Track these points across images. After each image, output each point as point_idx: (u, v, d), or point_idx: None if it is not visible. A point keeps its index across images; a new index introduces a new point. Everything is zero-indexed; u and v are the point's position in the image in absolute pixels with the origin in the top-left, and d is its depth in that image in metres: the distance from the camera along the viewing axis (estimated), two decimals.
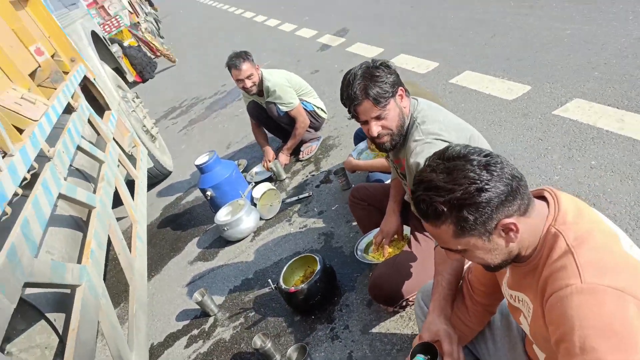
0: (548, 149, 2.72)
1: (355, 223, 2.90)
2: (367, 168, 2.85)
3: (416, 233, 2.18)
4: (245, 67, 3.49)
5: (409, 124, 1.90)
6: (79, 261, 1.94)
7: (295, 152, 4.01)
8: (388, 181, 2.78)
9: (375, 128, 1.83)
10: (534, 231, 1.07)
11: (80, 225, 2.30)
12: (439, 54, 4.51)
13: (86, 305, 1.62)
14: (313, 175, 3.66)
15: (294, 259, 2.58)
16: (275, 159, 3.92)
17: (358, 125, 3.88)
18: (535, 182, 2.51)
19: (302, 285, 2.34)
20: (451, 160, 1.05)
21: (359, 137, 3.22)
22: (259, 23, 9.68)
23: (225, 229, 3.24)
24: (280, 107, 3.67)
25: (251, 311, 2.66)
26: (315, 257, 2.51)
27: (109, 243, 2.17)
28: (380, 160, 2.72)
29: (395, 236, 2.27)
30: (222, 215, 3.36)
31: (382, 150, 1.99)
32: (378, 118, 1.81)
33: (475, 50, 4.27)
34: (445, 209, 1.02)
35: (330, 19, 7.41)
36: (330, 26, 7.05)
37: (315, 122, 3.90)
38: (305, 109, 3.79)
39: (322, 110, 3.94)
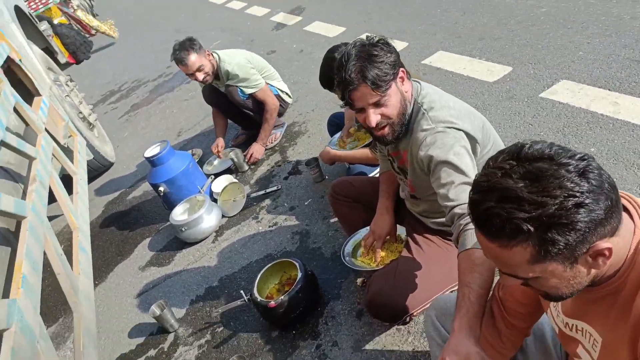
0: (541, 134, 2.52)
1: (333, 219, 2.58)
2: (348, 159, 2.53)
3: (415, 235, 1.89)
4: (193, 59, 3.06)
5: (412, 111, 1.61)
6: (6, 293, 1.50)
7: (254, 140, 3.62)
8: (372, 174, 2.48)
9: (374, 117, 1.54)
10: (620, 251, 0.83)
11: (8, 239, 1.84)
12: (407, 33, 4.23)
13: (18, 355, 1.21)
14: (279, 166, 3.31)
15: (269, 265, 2.23)
16: (233, 147, 3.50)
17: (328, 110, 3.59)
18: None
19: (282, 297, 2.01)
20: (534, 162, 0.79)
21: (334, 124, 2.88)
22: (204, 1, 9.03)
23: (183, 229, 2.83)
24: (243, 90, 3.25)
25: (219, 326, 2.30)
26: (294, 262, 2.18)
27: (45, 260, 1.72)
28: (364, 151, 2.40)
29: (388, 237, 1.98)
30: (179, 214, 2.95)
31: (381, 142, 1.69)
32: (377, 105, 1.53)
33: (446, 29, 4.03)
34: (531, 229, 0.77)
35: None
36: (283, 4, 6.61)
37: (280, 108, 3.51)
38: None
39: (286, 94, 3.56)
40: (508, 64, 3.20)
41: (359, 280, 2.19)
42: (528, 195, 0.76)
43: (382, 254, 1.95)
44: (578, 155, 0.79)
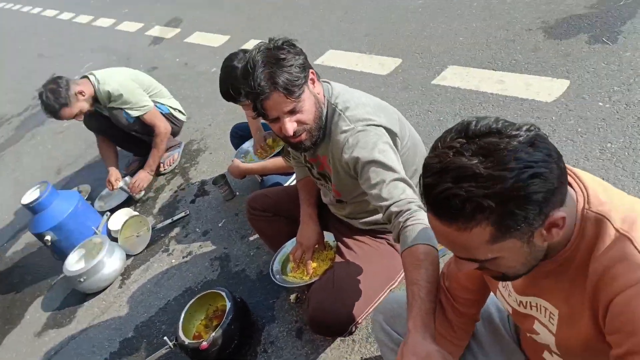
0: (441, 119, 2.58)
1: (253, 237, 2.42)
2: (260, 171, 2.38)
3: (344, 238, 1.81)
4: (65, 114, 2.77)
5: (327, 113, 1.52)
6: None
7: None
8: (287, 183, 2.36)
9: (290, 125, 1.43)
10: (569, 220, 0.82)
11: None
12: (293, 36, 4.03)
13: None
14: (183, 189, 3.05)
15: (192, 301, 2.01)
16: (124, 176, 3.18)
17: (226, 122, 3.40)
18: None
19: (214, 334, 1.81)
20: (484, 138, 0.76)
21: (237, 135, 2.70)
22: (66, 21, 8.25)
23: (81, 279, 2.48)
24: (129, 112, 2.94)
25: None
26: (220, 292, 1.98)
27: None
28: (276, 160, 2.27)
29: (317, 246, 1.87)
30: (73, 262, 2.58)
31: (299, 150, 1.57)
32: (292, 112, 1.42)
33: (331, 28, 4.04)
34: (492, 204, 0.73)
35: (156, 9, 6.59)
36: (157, 17, 6.24)
37: (174, 127, 3.24)
38: (160, 112, 3.11)
39: (179, 111, 3.30)
40: (397, 56, 3.27)
41: (292, 296, 2.05)
42: (485, 170, 0.73)
43: (314, 265, 1.84)
44: (525, 127, 0.77)
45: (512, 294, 1.03)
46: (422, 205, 1.33)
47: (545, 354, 1.08)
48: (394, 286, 1.72)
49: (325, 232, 1.91)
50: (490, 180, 0.72)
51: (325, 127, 1.53)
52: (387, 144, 1.45)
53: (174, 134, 3.33)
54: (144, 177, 3.11)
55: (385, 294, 1.69)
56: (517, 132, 0.75)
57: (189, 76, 4.45)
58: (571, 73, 2.45)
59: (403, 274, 1.70)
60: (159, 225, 2.80)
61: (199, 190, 2.97)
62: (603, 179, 1.86)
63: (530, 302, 0.98)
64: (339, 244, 1.82)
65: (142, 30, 6.12)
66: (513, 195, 0.72)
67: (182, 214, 2.79)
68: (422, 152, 1.73)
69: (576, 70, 2.44)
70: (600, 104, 2.21)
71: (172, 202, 2.99)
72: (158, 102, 3.12)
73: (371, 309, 1.65)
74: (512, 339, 1.26)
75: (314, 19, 4.35)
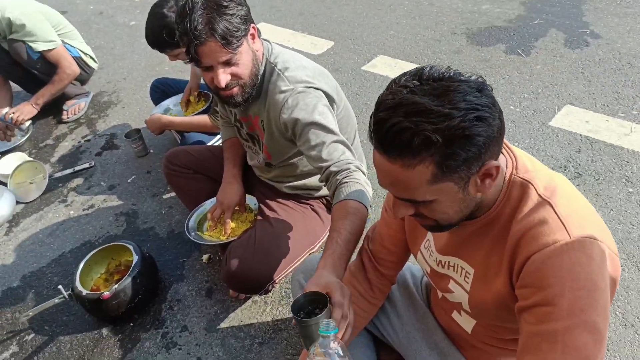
0: (367, 104, 2.66)
1: (167, 195, 2.31)
2: (182, 126, 2.26)
3: (267, 201, 1.79)
4: None
5: (264, 71, 1.49)
6: None
7: (56, 111, 3.02)
8: (211, 143, 2.27)
9: (224, 77, 1.38)
10: (498, 179, 0.88)
11: None
12: None
13: None
14: (88, 140, 2.81)
15: (93, 252, 1.86)
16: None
17: (143, 78, 3.20)
18: (363, 137, 2.41)
19: (116, 286, 1.69)
20: (437, 81, 0.79)
21: (158, 90, 2.54)
22: None
23: None
24: (32, 46, 2.63)
25: (28, 333, 1.84)
26: (127, 245, 1.86)
27: None
28: (201, 118, 2.17)
29: (237, 208, 1.83)
30: None
31: (229, 104, 1.52)
32: (227, 63, 1.37)
33: (264, 2, 3.97)
34: (439, 139, 0.76)
35: None
36: None
37: (83, 73, 2.95)
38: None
39: (90, 57, 3.02)
40: (330, 39, 3.31)
41: (205, 257, 1.99)
42: (436, 107, 0.76)
43: (232, 225, 1.79)
44: (474, 76, 0.82)
45: (433, 254, 1.08)
46: (361, 166, 1.36)
47: (455, 314, 1.16)
48: (313, 250, 1.74)
49: (247, 196, 1.87)
50: (440, 116, 0.75)
51: (261, 85, 1.50)
52: (326, 107, 1.45)
53: (82, 81, 3.05)
54: (26, 109, 2.74)
55: (305, 256, 1.70)
56: (467, 78, 0.80)
57: (104, 25, 4.11)
58: (488, 77, 2.65)
59: (324, 239, 1.74)
60: (58, 174, 2.55)
61: (107, 143, 2.75)
62: None
63: (448, 262, 1.04)
64: (262, 205, 1.79)
65: None
66: (458, 134, 0.76)
67: (87, 165, 2.57)
68: (354, 124, 1.77)
69: (493, 75, 2.65)
70: (512, 107, 2.43)
71: (75, 152, 2.74)
72: (67, 44, 2.81)
73: (290, 270, 1.65)
74: (424, 303, 1.33)
75: None
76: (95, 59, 3.08)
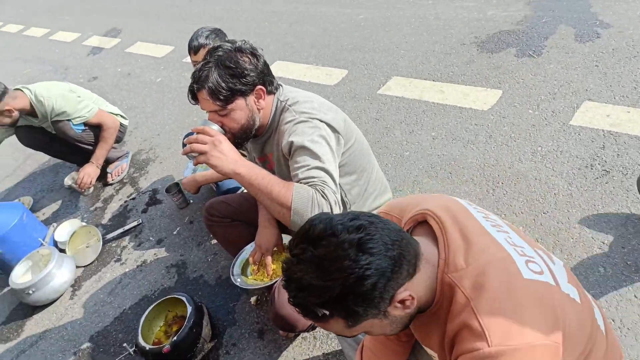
0: (388, 127, 2.74)
1: (212, 242, 2.45)
2: (213, 179, 2.41)
3: None
4: None
5: (275, 110, 1.61)
6: None
7: (101, 177, 3.25)
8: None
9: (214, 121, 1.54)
10: (429, 284, 0.94)
11: None
12: None
13: None
14: (134, 199, 3.01)
15: (151, 307, 2.01)
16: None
17: (176, 131, 3.40)
18: (387, 161, 2.49)
19: (174, 339, 1.83)
20: (318, 243, 0.86)
21: None
22: None
23: (30, 291, 2.39)
24: (75, 122, 2.88)
25: None
26: (180, 297, 2.00)
27: None
28: None
29: (275, 249, 1.94)
30: (20, 275, 2.48)
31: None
32: (217, 113, 1.52)
33: (277, 40, 4.14)
34: (327, 312, 0.86)
35: (93, 19, 6.41)
36: (94, 27, 6.08)
37: (119, 132, 3.19)
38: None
39: (121, 116, 3.24)
40: (343, 67, 3.42)
41: (253, 299, 2.11)
42: (317, 282, 0.84)
43: (274, 266, 1.90)
44: (356, 225, 0.86)
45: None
46: (335, 193, 1.41)
47: None
48: None
49: (284, 235, 1.98)
50: (322, 289, 0.84)
51: (272, 123, 1.61)
52: (323, 137, 1.50)
53: (118, 140, 3.27)
54: (90, 170, 3.01)
55: None
56: (345, 237, 0.85)
57: (134, 86, 4.38)
58: (503, 83, 2.69)
59: None
60: (110, 236, 2.74)
61: (151, 199, 2.94)
62: (535, 179, 2.09)
63: (428, 352, 1.11)
64: None
65: (79, 40, 5.93)
66: (344, 298, 0.83)
67: (135, 223, 2.76)
68: (367, 154, 1.84)
69: (507, 81, 2.69)
70: (530, 111, 2.45)
71: (123, 212, 2.94)
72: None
73: None
74: None
75: (260, 31, 4.44)
76: (125, 116, 3.30)
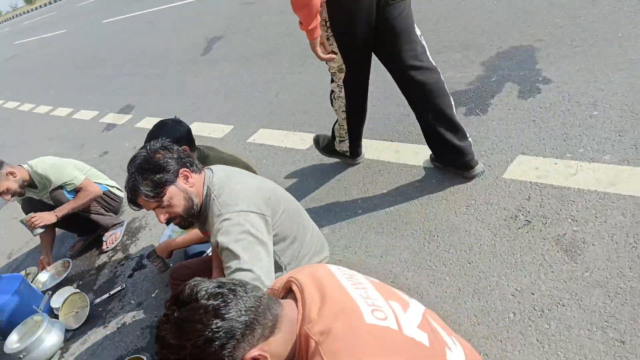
0: (346, 187, 2.95)
1: None
2: (184, 244, 2.66)
3: None
4: None
5: (205, 197, 1.86)
6: None
7: (98, 243, 3.56)
8: (209, 250, 2.65)
9: (162, 216, 1.81)
10: (288, 340, 1.10)
11: None
12: (233, 116, 4.61)
13: None
14: (122, 265, 3.29)
15: None
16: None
17: None
18: (344, 224, 2.67)
19: None
20: (183, 306, 1.03)
21: None
22: (26, 112, 8.62)
23: (21, 356, 2.65)
24: (68, 189, 3.25)
25: None
26: (142, 357, 2.20)
27: None
28: (195, 231, 2.57)
29: None
30: (15, 341, 2.75)
31: (182, 228, 1.92)
32: (160, 207, 1.79)
33: (264, 109, 4.49)
34: None
35: (110, 99, 7.03)
36: (111, 105, 6.67)
37: (114, 203, 3.54)
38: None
39: (117, 188, 3.61)
40: (317, 132, 3.69)
41: None
42: (175, 341, 1.00)
43: None
44: (216, 292, 1.04)
45: None
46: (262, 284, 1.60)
47: None
48: None
49: None
50: (177, 348, 1.00)
51: (203, 209, 1.86)
52: (246, 232, 1.69)
53: (115, 211, 3.60)
54: (45, 215, 3.15)
55: None
56: (205, 302, 1.02)
57: None
58: None
59: None
60: (97, 300, 3.00)
61: (137, 264, 3.21)
62: (466, 231, 2.23)
63: None
64: None
65: (96, 118, 6.51)
66: (197, 357, 0.99)
67: (119, 288, 3.01)
68: (299, 221, 2.05)
69: None
70: None
71: (112, 277, 3.21)
72: (95, 182, 3.42)
73: None
74: None
75: (251, 99, 4.81)
76: (121, 188, 3.64)
